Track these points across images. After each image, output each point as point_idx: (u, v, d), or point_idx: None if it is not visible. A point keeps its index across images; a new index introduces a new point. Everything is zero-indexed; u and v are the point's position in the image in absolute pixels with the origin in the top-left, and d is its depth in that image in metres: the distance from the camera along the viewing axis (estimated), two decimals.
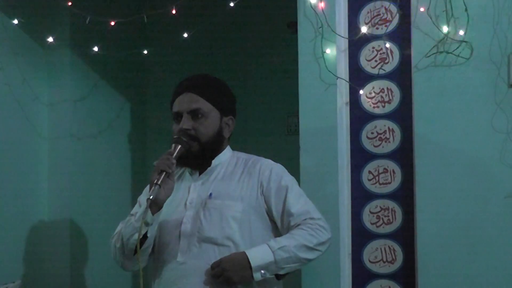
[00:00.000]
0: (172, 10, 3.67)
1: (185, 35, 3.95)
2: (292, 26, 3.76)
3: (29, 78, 4.32)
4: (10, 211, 4.15)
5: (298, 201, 2.86)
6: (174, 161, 2.74)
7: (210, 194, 2.83)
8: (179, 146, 2.78)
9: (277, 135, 4.84)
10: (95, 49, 4.21)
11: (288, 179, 2.90)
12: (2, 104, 4.14)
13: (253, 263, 2.68)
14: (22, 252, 4.27)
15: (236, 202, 2.81)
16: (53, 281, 4.40)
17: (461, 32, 3.28)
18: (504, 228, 3.23)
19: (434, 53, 3.33)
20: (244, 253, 2.70)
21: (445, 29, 3.30)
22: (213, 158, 2.91)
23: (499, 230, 3.23)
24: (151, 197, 2.65)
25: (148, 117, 5.22)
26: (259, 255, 2.70)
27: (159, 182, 2.67)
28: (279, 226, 2.87)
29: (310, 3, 3.47)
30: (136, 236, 2.70)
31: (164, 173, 2.69)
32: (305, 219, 2.81)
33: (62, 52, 4.44)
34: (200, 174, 2.91)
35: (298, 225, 2.80)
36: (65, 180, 4.45)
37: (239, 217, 2.79)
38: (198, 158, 2.86)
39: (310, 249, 2.77)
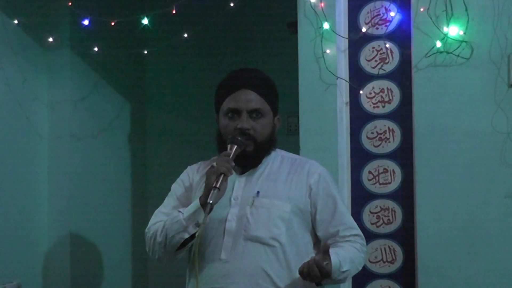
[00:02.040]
0: (172, 10, 3.67)
1: (185, 35, 3.95)
2: (292, 26, 3.76)
3: (29, 78, 4.31)
4: (9, 210, 4.15)
5: (347, 212, 2.87)
6: (233, 164, 2.67)
7: (258, 192, 2.77)
8: (235, 147, 2.71)
9: (277, 135, 4.83)
10: (95, 49, 4.20)
11: (334, 186, 2.89)
12: (2, 104, 4.14)
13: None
14: (22, 252, 4.26)
15: (284, 202, 2.76)
16: (53, 281, 4.40)
17: (461, 32, 3.29)
18: (504, 228, 3.23)
19: (434, 53, 3.33)
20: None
21: (445, 29, 3.31)
22: (263, 158, 2.85)
23: (499, 230, 3.24)
24: (210, 201, 2.57)
25: (148, 117, 5.22)
26: (333, 269, 2.60)
27: (218, 185, 2.59)
28: (319, 230, 2.81)
29: (310, 3, 3.48)
30: (183, 235, 2.66)
31: (223, 175, 2.62)
32: (354, 235, 2.80)
33: (62, 52, 4.44)
34: (243, 171, 2.84)
35: (347, 239, 2.77)
36: (65, 180, 4.45)
37: (287, 217, 2.74)
38: (252, 158, 2.80)
39: (357, 271, 2.78)
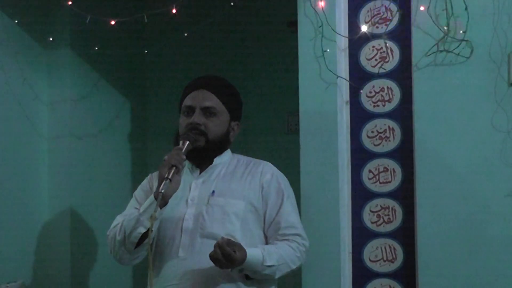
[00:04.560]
0: (173, 9, 3.67)
1: (185, 34, 3.95)
2: (292, 25, 3.76)
3: (29, 77, 4.31)
4: (10, 210, 4.15)
5: (292, 212, 2.92)
6: (184, 157, 2.76)
7: (213, 192, 2.86)
8: (187, 142, 2.80)
9: (277, 134, 4.84)
10: (95, 48, 4.20)
11: (286, 186, 2.96)
12: (2, 103, 4.14)
13: (245, 265, 2.69)
14: (23, 252, 4.27)
15: (239, 201, 2.85)
16: (54, 280, 4.40)
17: (461, 31, 3.28)
18: (505, 227, 3.23)
19: (434, 52, 3.33)
20: (246, 252, 2.68)
21: (445, 28, 3.30)
22: (215, 157, 2.94)
23: (499, 229, 3.24)
24: (162, 191, 2.65)
25: (148, 116, 5.22)
26: (253, 261, 2.70)
27: (169, 177, 2.67)
28: (266, 228, 2.90)
29: (310, 2, 3.48)
30: (140, 229, 2.73)
31: (174, 168, 2.70)
32: (294, 234, 2.87)
33: (62, 52, 4.44)
34: (200, 172, 2.93)
35: (286, 237, 2.85)
36: (65, 180, 4.45)
37: (241, 214, 2.83)
38: (202, 154, 2.89)
39: (290, 269, 2.85)
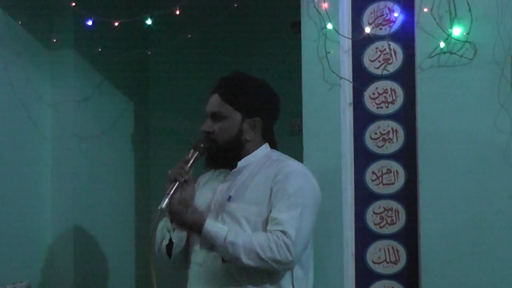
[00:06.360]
0: (176, 10, 3.67)
1: (189, 35, 3.95)
2: (296, 26, 3.77)
3: (33, 78, 4.32)
4: (13, 211, 4.15)
5: (286, 210, 2.72)
6: (188, 169, 2.76)
7: (229, 197, 2.82)
8: (197, 153, 2.81)
9: (280, 136, 4.80)
10: (99, 49, 4.21)
11: (293, 186, 2.77)
12: (5, 104, 4.15)
13: (204, 234, 2.68)
14: (26, 253, 4.27)
15: (251, 206, 2.78)
16: (57, 281, 4.40)
17: (465, 33, 3.28)
18: (508, 228, 3.23)
19: (437, 54, 3.32)
20: (204, 221, 2.68)
21: (448, 29, 3.30)
22: (239, 160, 2.88)
23: (503, 231, 3.23)
24: (160, 207, 2.68)
25: (152, 117, 5.22)
26: (213, 232, 2.67)
27: (170, 192, 2.70)
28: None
29: (314, 3, 3.47)
30: (164, 242, 2.83)
31: (178, 182, 2.71)
32: (277, 230, 2.68)
33: (65, 52, 4.45)
34: (231, 169, 2.90)
35: (270, 231, 2.70)
36: (69, 180, 4.46)
37: (253, 220, 2.76)
38: (218, 159, 2.87)
39: (260, 259, 2.66)
